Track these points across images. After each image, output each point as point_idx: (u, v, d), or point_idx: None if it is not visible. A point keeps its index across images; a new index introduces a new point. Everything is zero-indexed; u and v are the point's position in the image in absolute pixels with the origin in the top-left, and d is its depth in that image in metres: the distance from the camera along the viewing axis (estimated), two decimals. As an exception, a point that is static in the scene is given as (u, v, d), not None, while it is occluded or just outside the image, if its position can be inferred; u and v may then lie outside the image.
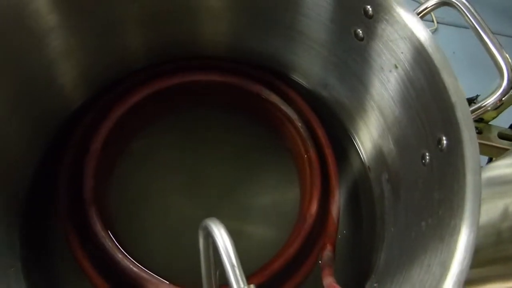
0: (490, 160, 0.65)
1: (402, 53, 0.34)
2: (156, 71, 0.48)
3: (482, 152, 0.62)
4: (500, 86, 0.31)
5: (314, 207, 0.43)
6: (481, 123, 0.61)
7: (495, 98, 0.32)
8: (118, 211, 0.44)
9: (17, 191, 0.40)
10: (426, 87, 0.32)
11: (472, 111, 0.33)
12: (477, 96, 0.61)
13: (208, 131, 0.51)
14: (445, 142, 0.30)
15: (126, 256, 0.39)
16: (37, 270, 0.39)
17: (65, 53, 0.40)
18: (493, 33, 0.34)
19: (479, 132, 0.62)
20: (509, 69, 0.31)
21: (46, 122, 0.44)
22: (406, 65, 0.34)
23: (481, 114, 0.32)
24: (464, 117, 0.29)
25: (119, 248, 0.39)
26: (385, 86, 0.37)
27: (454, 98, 0.29)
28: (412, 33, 0.32)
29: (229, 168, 0.49)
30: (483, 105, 0.32)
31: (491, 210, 0.41)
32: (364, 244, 0.44)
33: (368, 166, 0.45)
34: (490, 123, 0.63)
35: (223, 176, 0.49)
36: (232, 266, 0.25)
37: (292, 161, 0.49)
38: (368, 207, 0.45)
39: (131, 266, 0.39)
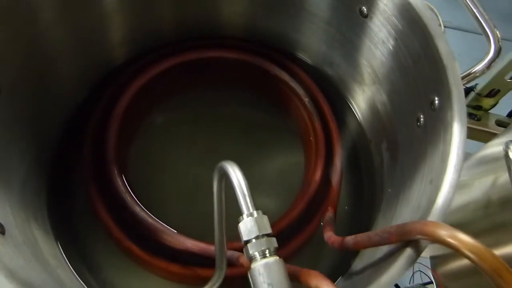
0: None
1: (401, 25, 0.37)
2: (181, 48, 0.52)
3: (480, 139, 0.65)
4: (487, 54, 0.34)
5: (318, 174, 0.46)
6: (480, 110, 0.64)
7: (483, 65, 0.35)
8: (137, 176, 0.48)
9: (48, 143, 0.44)
10: (422, 54, 0.35)
11: (463, 77, 0.36)
12: (476, 85, 0.64)
13: (222, 107, 0.54)
14: (437, 102, 0.33)
15: (143, 209, 0.42)
16: (60, 219, 0.43)
17: (112, 13, 0.45)
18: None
19: (478, 119, 0.64)
20: (496, 40, 0.34)
21: (95, 69, 0.49)
22: (405, 36, 0.37)
23: (471, 79, 0.35)
24: (454, 77, 0.32)
25: (137, 202, 0.43)
26: (386, 58, 0.41)
27: (445, 60, 0.33)
28: (410, 4, 0.35)
29: (240, 141, 0.53)
30: (472, 71, 0.35)
31: (482, 185, 0.44)
32: (364, 212, 0.47)
33: (370, 138, 0.48)
34: (489, 111, 0.66)
35: (234, 148, 0.52)
36: (244, 195, 0.28)
37: (297, 136, 0.52)
38: (369, 176, 0.48)
39: (148, 218, 0.42)
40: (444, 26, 1.39)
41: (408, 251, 0.26)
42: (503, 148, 0.32)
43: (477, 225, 0.41)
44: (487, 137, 0.65)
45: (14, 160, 0.37)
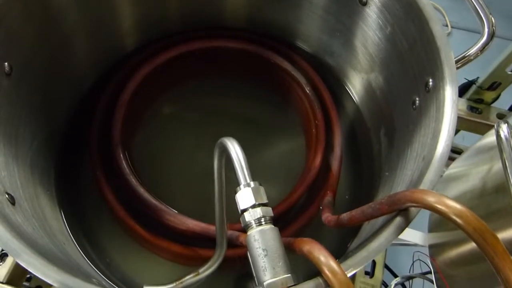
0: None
1: (397, 10, 0.38)
2: (186, 37, 0.53)
3: (482, 132, 0.65)
4: (482, 37, 0.35)
5: (318, 160, 0.47)
6: (482, 104, 0.65)
7: (476, 49, 0.36)
8: (143, 161, 0.49)
9: (60, 119, 0.46)
10: (417, 38, 0.36)
11: (458, 60, 0.37)
12: (477, 78, 0.64)
13: (226, 97, 0.56)
14: (431, 83, 0.34)
15: (146, 190, 0.44)
16: (67, 199, 0.44)
17: (122, 1, 0.47)
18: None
19: (480, 112, 0.65)
20: (490, 24, 0.35)
21: (107, 55, 0.51)
22: (401, 21, 0.38)
23: (465, 62, 0.36)
24: (447, 57, 0.33)
25: (141, 183, 0.44)
26: (383, 44, 0.42)
27: (439, 42, 0.34)
28: (405, -12, 0.36)
29: (244, 129, 0.54)
30: (467, 54, 0.36)
31: (478, 174, 0.44)
32: (364, 198, 0.48)
33: (369, 126, 0.49)
34: (491, 105, 0.66)
35: (238, 136, 0.53)
36: (241, 166, 0.29)
37: (299, 124, 0.54)
38: (368, 163, 0.49)
39: (150, 198, 0.43)
40: (451, 27, 1.38)
41: (398, 220, 0.27)
42: (495, 129, 0.32)
43: (475, 213, 0.42)
44: (488, 130, 0.65)
45: (26, 137, 0.38)
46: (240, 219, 0.28)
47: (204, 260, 0.38)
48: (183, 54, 0.51)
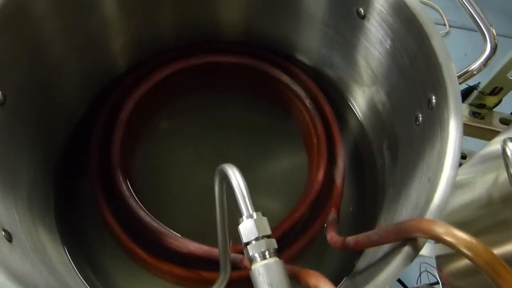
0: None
1: (397, 25, 0.38)
2: (182, 53, 0.52)
3: (484, 137, 0.65)
4: (484, 52, 0.35)
5: (320, 175, 0.47)
6: (484, 109, 0.64)
7: (480, 63, 0.35)
8: (143, 180, 0.49)
9: (54, 149, 0.45)
10: (418, 53, 0.36)
11: (460, 75, 0.36)
12: (479, 83, 0.63)
13: (225, 111, 0.55)
14: (434, 100, 0.34)
15: (148, 213, 0.43)
16: (67, 224, 0.44)
17: (113, 20, 0.46)
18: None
19: (482, 117, 0.64)
20: (492, 38, 0.34)
21: (97, 78, 0.50)
22: (401, 36, 0.38)
23: (468, 77, 0.36)
24: (450, 74, 0.32)
25: (141, 206, 0.43)
26: (384, 59, 0.41)
27: (441, 59, 0.33)
28: (405, 4, 0.36)
29: (245, 144, 0.53)
30: (469, 69, 0.35)
31: (484, 183, 0.44)
32: (368, 212, 0.47)
33: (371, 139, 0.48)
34: (493, 109, 0.65)
35: (237, 152, 0.53)
36: (243, 197, 0.28)
37: (300, 138, 0.53)
38: (372, 177, 0.48)
39: (152, 221, 0.42)
40: (449, 26, 1.38)
41: (406, 249, 0.26)
42: (501, 146, 0.32)
43: (481, 223, 0.41)
44: (491, 135, 0.64)
45: (22, 167, 0.38)
46: (244, 251, 0.28)
47: (208, 283, 0.37)
48: (180, 70, 0.50)
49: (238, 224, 0.28)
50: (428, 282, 0.57)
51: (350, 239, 0.33)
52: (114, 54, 0.50)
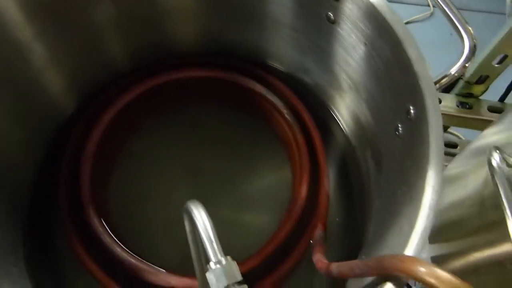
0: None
1: (368, 29, 0.35)
2: (141, 74, 0.50)
3: (474, 127, 0.63)
4: (462, 54, 0.32)
5: (304, 190, 0.44)
6: (471, 98, 0.62)
7: (459, 65, 0.33)
8: (119, 210, 0.46)
9: (20, 194, 0.42)
10: (392, 59, 0.33)
11: (440, 79, 0.33)
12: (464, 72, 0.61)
13: (202, 127, 0.52)
14: (412, 111, 0.31)
15: (124, 249, 0.41)
16: (41, 269, 0.41)
17: (50, 62, 0.42)
18: (459, 9, 0.35)
19: (470, 107, 0.62)
20: (471, 39, 0.32)
21: (44, 129, 0.46)
22: (374, 41, 0.35)
23: (449, 82, 0.33)
24: (427, 85, 0.30)
25: (117, 242, 0.41)
26: (358, 65, 0.39)
27: (416, 67, 0.30)
28: (375, 8, 0.33)
29: (224, 161, 0.51)
30: (448, 73, 0.33)
31: (476, 179, 0.42)
32: (356, 223, 0.45)
33: (354, 145, 0.46)
34: (480, 97, 0.63)
35: (219, 169, 0.50)
36: (210, 240, 0.26)
37: (283, 149, 0.50)
38: (357, 185, 0.46)
39: (129, 258, 0.40)
40: (433, 6, 1.34)
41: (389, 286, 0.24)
42: (487, 155, 0.29)
43: (472, 223, 0.40)
44: (481, 124, 0.62)
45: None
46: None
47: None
48: (146, 92, 0.48)
49: (205, 273, 0.26)
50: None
51: (334, 267, 0.31)
52: (58, 97, 0.47)
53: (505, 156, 0.30)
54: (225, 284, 0.25)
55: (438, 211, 0.46)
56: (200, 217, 0.27)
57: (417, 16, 1.22)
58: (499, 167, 0.29)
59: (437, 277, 0.21)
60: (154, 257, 0.41)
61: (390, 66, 0.34)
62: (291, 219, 0.43)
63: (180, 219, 0.46)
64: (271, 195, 0.49)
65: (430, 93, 0.29)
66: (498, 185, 0.29)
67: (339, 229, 0.46)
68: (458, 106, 0.61)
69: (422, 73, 0.30)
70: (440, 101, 0.62)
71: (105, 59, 0.47)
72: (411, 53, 0.31)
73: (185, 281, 0.39)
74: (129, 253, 0.40)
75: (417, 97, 0.30)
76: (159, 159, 0.50)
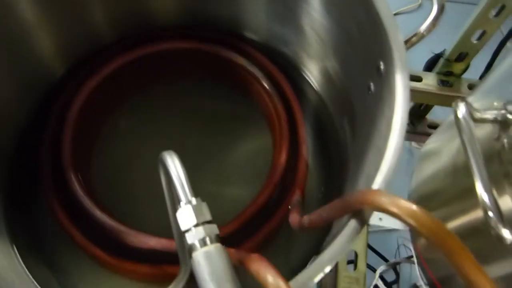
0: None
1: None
2: (126, 46, 0.50)
3: (455, 105, 0.63)
4: (432, 11, 0.33)
5: (283, 157, 0.45)
6: (451, 76, 0.63)
7: (428, 24, 0.33)
8: (104, 178, 0.47)
9: (2, 156, 0.43)
10: (364, 20, 0.34)
11: (411, 37, 0.34)
12: (444, 50, 0.62)
13: (183, 99, 0.53)
14: (382, 67, 0.32)
15: (104, 212, 0.41)
16: (21, 232, 0.42)
17: (38, 24, 0.43)
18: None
19: (450, 85, 0.63)
20: (440, -2, 0.33)
21: (33, 87, 0.47)
22: (347, 3, 0.36)
23: (419, 39, 0.34)
24: (395, 40, 0.31)
25: (97, 205, 0.41)
26: (331, 26, 0.39)
27: (386, 24, 0.31)
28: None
29: (207, 132, 0.52)
30: (418, 31, 0.34)
31: (449, 151, 0.43)
32: (336, 187, 0.46)
33: (332, 112, 0.47)
34: (461, 76, 0.64)
35: (201, 140, 0.51)
36: (181, 182, 0.27)
37: (263, 120, 0.51)
38: (336, 151, 0.47)
39: (109, 220, 0.41)
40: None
41: (352, 223, 0.25)
42: (453, 108, 0.30)
43: (447, 193, 0.40)
44: (461, 102, 0.63)
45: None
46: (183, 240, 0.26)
47: (173, 277, 0.35)
48: (128, 63, 0.48)
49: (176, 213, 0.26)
50: (406, 255, 0.56)
51: (305, 218, 0.32)
52: (47, 60, 0.47)
53: (472, 110, 0.31)
54: (194, 223, 0.26)
55: (416, 185, 0.48)
56: (173, 163, 0.28)
57: (405, 8, 1.24)
58: (464, 118, 0.29)
59: (398, 206, 0.22)
60: (137, 224, 0.41)
61: (361, 26, 0.35)
62: (271, 184, 0.44)
63: (161, 190, 0.47)
64: (252, 165, 0.50)
65: (398, 46, 0.30)
66: (463, 137, 0.29)
67: (323, 198, 0.47)
68: (439, 84, 0.63)
69: (392, 29, 0.31)
70: (421, 79, 0.63)
71: (89, 27, 0.48)
72: (382, 12, 0.32)
73: (163, 242, 0.40)
74: (108, 216, 0.41)
75: (386, 52, 0.31)
76: (142, 130, 0.51)
